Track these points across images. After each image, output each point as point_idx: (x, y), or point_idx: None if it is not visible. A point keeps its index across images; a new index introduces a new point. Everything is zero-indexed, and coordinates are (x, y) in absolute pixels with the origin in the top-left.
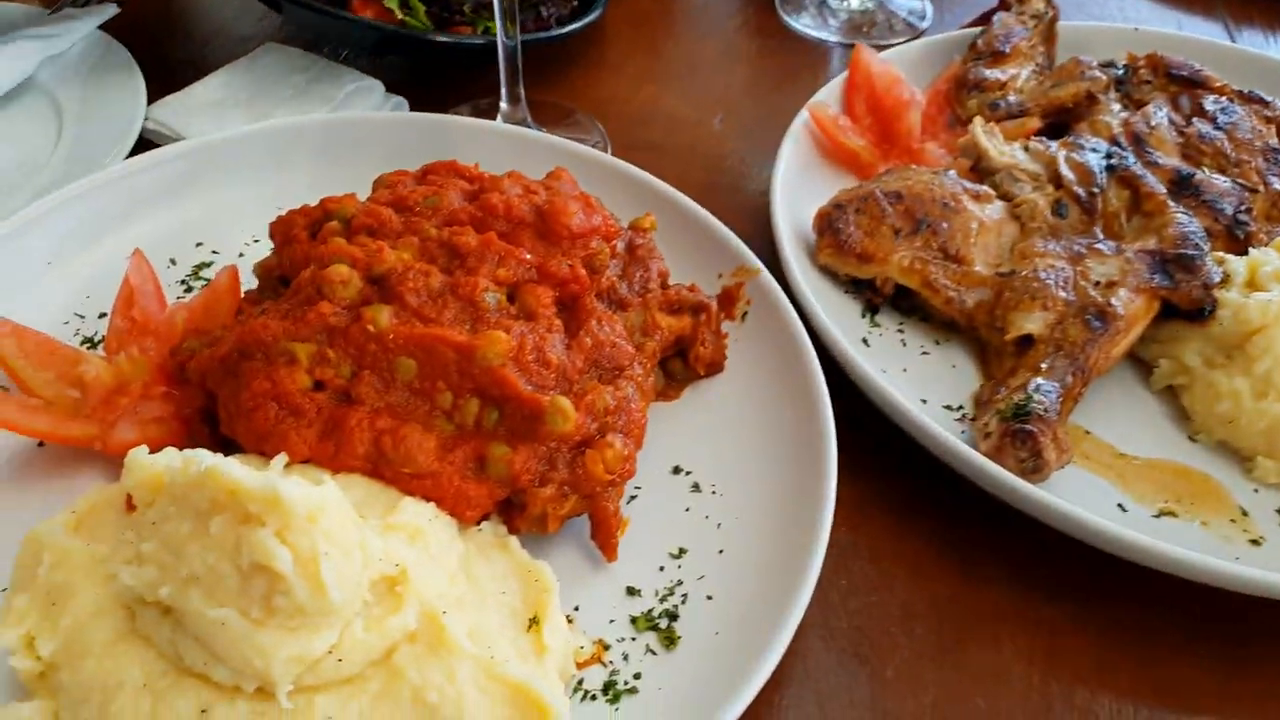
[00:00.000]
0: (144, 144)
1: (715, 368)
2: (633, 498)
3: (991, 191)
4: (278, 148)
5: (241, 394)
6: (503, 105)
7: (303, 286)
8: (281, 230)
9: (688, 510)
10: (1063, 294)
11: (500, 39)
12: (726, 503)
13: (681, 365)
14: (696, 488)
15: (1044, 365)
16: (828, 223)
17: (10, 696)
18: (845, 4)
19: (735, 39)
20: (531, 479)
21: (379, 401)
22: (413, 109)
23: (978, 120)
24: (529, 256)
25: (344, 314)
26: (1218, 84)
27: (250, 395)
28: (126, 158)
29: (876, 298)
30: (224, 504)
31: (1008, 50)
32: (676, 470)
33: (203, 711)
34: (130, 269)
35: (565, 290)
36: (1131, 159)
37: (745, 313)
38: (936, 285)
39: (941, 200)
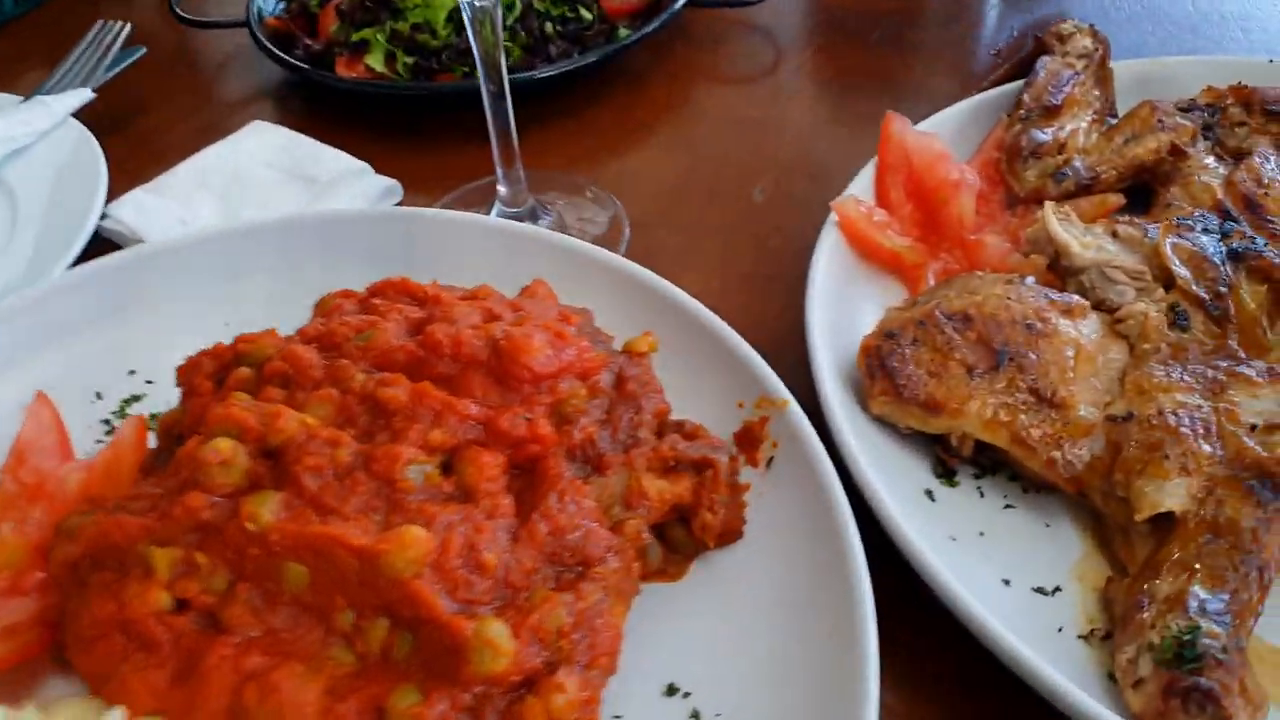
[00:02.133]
0: (108, 245)
1: (729, 536)
2: None
3: (1084, 301)
4: (233, 253)
5: (83, 618)
6: (500, 188)
7: (179, 465)
8: (186, 376)
9: None
10: (1206, 448)
11: (484, 88)
12: None
13: (685, 534)
14: (696, 717)
15: (1198, 563)
16: (878, 360)
17: None
18: None
19: (783, 91)
20: None
21: (254, 626)
22: (408, 193)
23: (1049, 206)
24: (475, 410)
25: (222, 505)
26: None
27: (92, 622)
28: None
29: (952, 459)
30: None
31: (1060, 102)
32: (672, 690)
33: None
34: (27, 419)
35: (522, 452)
36: (1261, 240)
37: (771, 458)
38: (1031, 443)
39: (1023, 321)
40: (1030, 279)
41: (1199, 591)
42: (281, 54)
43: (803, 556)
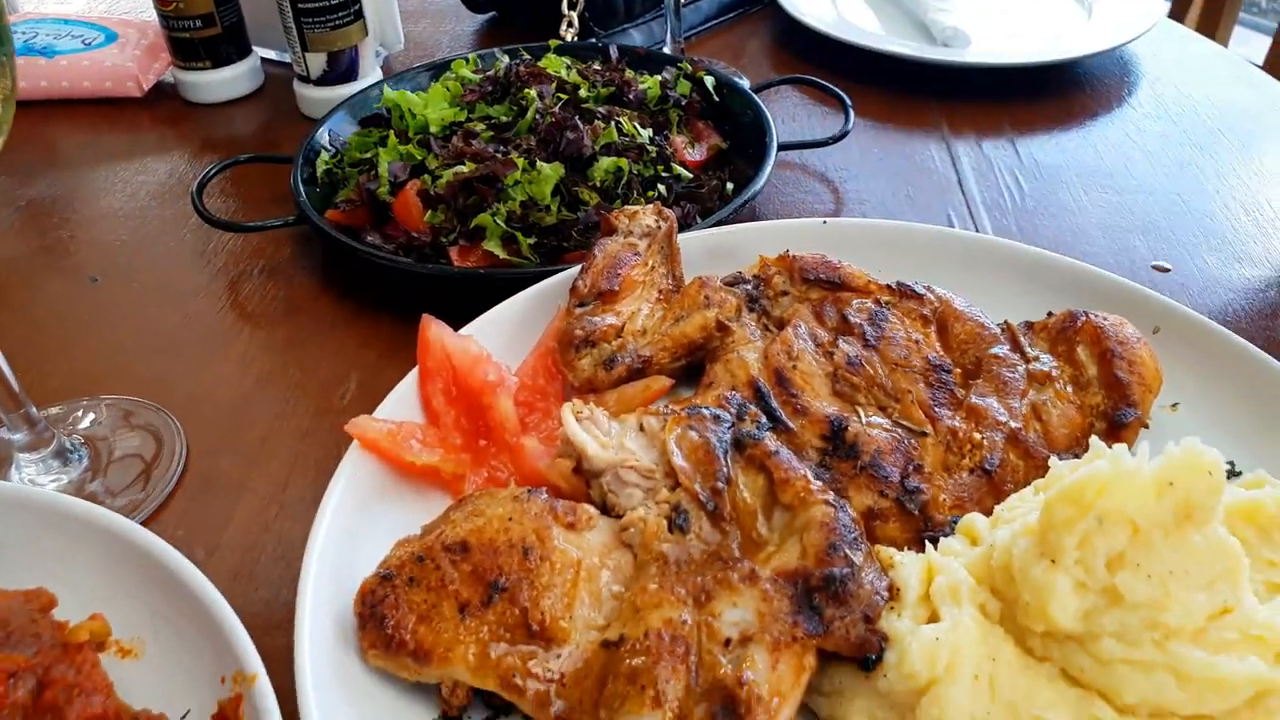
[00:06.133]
0: None
1: None
2: None
3: (592, 511)
4: None
5: None
6: (13, 436)
7: None
8: None
9: None
10: (682, 672)
11: None
12: None
13: None
14: None
15: None
16: (370, 607)
17: None
18: None
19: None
20: None
21: None
22: None
23: (568, 408)
24: None
25: None
26: (862, 281)
27: None
28: None
29: (450, 710)
30: None
31: (617, 286)
32: None
33: None
34: None
35: None
36: (764, 425)
37: None
38: (520, 684)
39: (522, 544)
40: (542, 492)
41: None
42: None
43: None
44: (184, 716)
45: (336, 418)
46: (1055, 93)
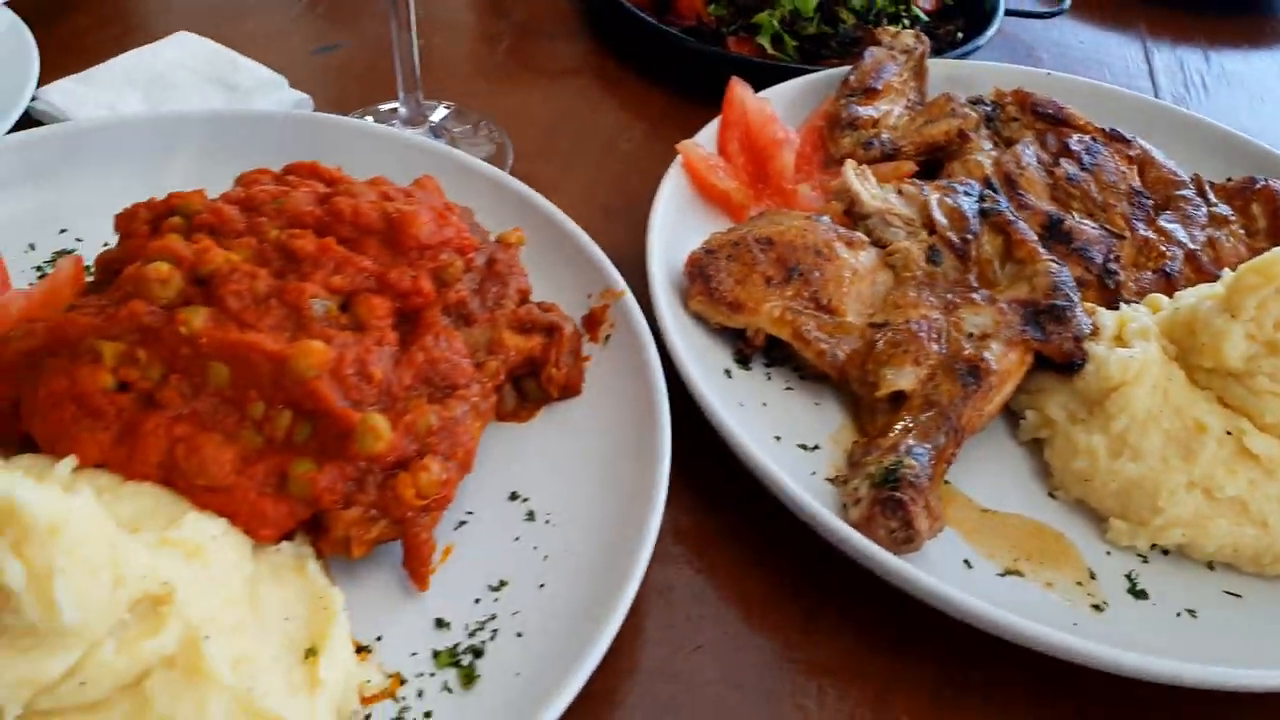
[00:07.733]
0: (34, 125)
1: (570, 390)
2: (463, 523)
3: (865, 238)
4: (160, 138)
5: (40, 391)
6: (400, 109)
7: (124, 283)
8: (125, 222)
9: (517, 539)
10: (935, 347)
11: (395, 35)
12: (558, 534)
13: (536, 386)
14: (531, 516)
15: (915, 424)
16: (698, 269)
17: None
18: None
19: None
20: (336, 500)
21: (184, 407)
22: (318, 107)
23: (849, 164)
24: (369, 264)
25: (159, 314)
26: (1081, 121)
27: (48, 394)
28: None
29: (748, 348)
30: None
31: (880, 86)
32: (514, 496)
33: None
34: None
35: (407, 302)
36: (1004, 203)
37: (609, 336)
38: (808, 337)
39: (814, 247)
40: (826, 218)
41: (910, 441)
42: (664, 26)
43: (626, 409)
44: None
45: (623, 158)
46: (1251, 14)
